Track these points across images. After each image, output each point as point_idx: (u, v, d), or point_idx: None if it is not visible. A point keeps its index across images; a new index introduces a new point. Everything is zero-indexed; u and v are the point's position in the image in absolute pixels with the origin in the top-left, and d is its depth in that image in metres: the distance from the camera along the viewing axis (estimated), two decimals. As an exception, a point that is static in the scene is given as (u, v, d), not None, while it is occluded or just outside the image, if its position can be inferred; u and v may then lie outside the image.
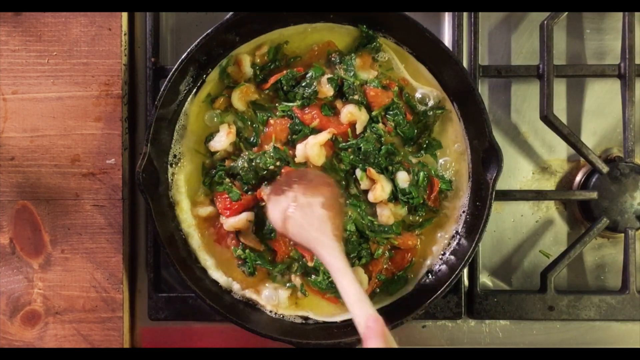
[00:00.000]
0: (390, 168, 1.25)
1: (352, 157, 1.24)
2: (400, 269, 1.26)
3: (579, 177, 1.37)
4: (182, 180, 1.25)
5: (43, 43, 1.31)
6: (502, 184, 1.32)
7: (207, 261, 1.25)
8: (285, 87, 1.25)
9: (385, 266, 1.26)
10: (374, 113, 1.25)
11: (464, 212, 1.25)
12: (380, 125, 1.25)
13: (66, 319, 1.31)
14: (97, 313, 1.31)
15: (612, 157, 1.36)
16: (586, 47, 1.38)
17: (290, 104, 1.25)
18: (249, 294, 1.25)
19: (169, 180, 1.25)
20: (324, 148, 1.23)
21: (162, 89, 1.19)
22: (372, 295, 1.26)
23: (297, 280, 1.26)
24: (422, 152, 1.26)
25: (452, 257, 1.24)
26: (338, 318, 1.25)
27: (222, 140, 1.24)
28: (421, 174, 1.24)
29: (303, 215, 1.14)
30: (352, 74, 1.25)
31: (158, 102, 1.19)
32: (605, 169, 1.30)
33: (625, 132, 1.31)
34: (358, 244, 1.24)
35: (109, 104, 1.31)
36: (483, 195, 1.21)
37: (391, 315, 1.23)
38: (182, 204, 1.25)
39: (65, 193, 1.31)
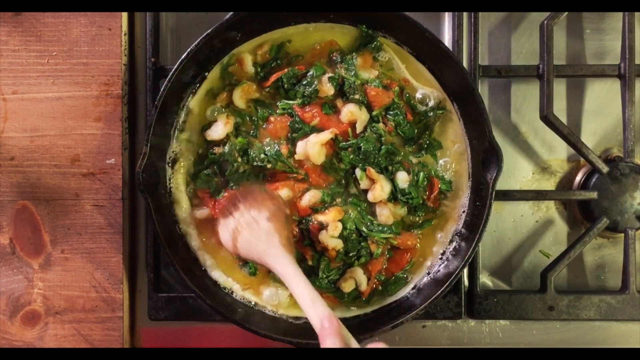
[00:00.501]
0: (390, 168, 1.25)
1: (352, 156, 1.24)
2: (400, 269, 1.26)
3: (579, 177, 1.37)
4: (181, 179, 1.25)
5: (43, 43, 1.31)
6: (502, 184, 1.32)
7: (207, 261, 1.26)
8: (286, 85, 1.25)
9: (384, 266, 1.26)
10: (374, 113, 1.25)
11: (464, 212, 1.25)
12: (381, 124, 1.25)
13: (66, 319, 1.31)
14: (97, 313, 1.31)
15: (612, 157, 1.36)
16: (586, 47, 1.38)
17: (291, 102, 1.25)
18: (249, 294, 1.25)
19: (169, 179, 1.25)
20: (324, 147, 1.23)
21: (162, 89, 1.19)
22: (372, 295, 1.26)
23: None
24: (423, 152, 1.26)
25: (452, 257, 1.24)
26: (338, 317, 1.25)
27: (220, 130, 1.24)
28: (421, 174, 1.24)
29: (250, 232, 1.18)
30: (353, 73, 1.25)
31: (158, 102, 1.19)
32: (605, 169, 1.30)
33: (625, 132, 1.31)
34: (357, 243, 1.24)
35: (109, 104, 1.31)
36: (483, 195, 1.21)
37: (391, 315, 1.23)
38: (181, 202, 1.25)
39: (65, 193, 1.31)
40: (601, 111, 1.38)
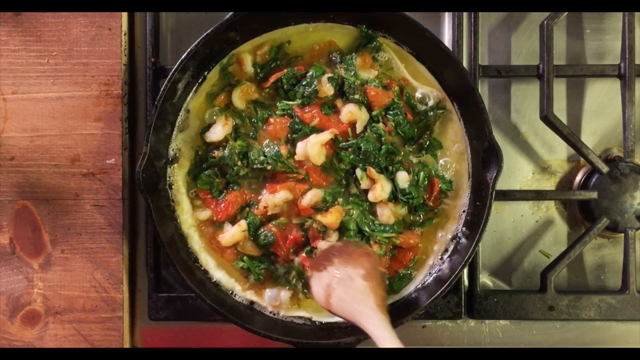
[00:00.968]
0: (390, 168, 1.25)
1: (352, 156, 1.24)
2: (404, 267, 1.26)
3: (579, 177, 1.37)
4: (181, 180, 1.25)
5: (43, 43, 1.31)
6: (502, 184, 1.32)
7: (208, 262, 1.25)
8: (285, 86, 1.25)
9: (387, 265, 1.26)
10: (374, 113, 1.25)
11: (464, 211, 1.25)
12: (381, 124, 1.25)
13: (66, 319, 1.31)
14: (97, 313, 1.31)
15: (612, 157, 1.36)
16: (586, 47, 1.38)
17: (291, 102, 1.25)
18: (251, 295, 1.25)
19: (169, 180, 1.25)
20: (324, 147, 1.23)
21: (162, 89, 1.19)
22: None
23: (299, 283, 1.26)
24: (423, 152, 1.26)
25: (452, 257, 1.24)
26: (339, 318, 1.25)
27: (218, 131, 1.24)
28: (421, 174, 1.24)
29: (345, 290, 1.14)
30: (352, 73, 1.25)
31: (158, 102, 1.19)
32: (605, 169, 1.30)
33: (625, 132, 1.31)
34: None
35: (109, 104, 1.31)
36: (483, 195, 1.21)
37: (391, 315, 1.23)
38: (182, 204, 1.25)
39: (65, 193, 1.31)
40: (601, 111, 1.38)
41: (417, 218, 1.27)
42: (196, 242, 1.25)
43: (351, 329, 1.22)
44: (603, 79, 1.36)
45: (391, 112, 1.25)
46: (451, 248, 1.25)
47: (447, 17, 1.36)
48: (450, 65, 1.22)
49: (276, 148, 1.24)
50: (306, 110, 1.25)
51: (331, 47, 1.26)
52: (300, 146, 1.23)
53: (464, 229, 1.25)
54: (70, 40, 1.31)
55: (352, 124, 1.25)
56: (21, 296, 1.31)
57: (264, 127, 1.26)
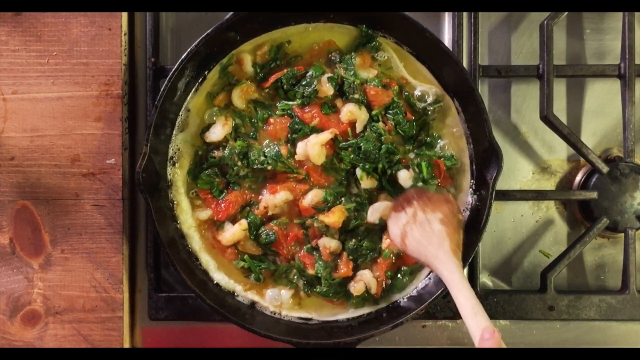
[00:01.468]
0: (389, 171, 1.24)
1: (352, 156, 1.24)
2: (407, 266, 1.26)
3: (579, 177, 1.37)
4: (181, 180, 1.25)
5: (43, 43, 1.31)
6: (502, 184, 1.32)
7: (209, 263, 1.25)
8: (285, 86, 1.25)
9: (392, 262, 1.25)
10: (374, 112, 1.25)
11: (464, 210, 1.25)
12: (380, 124, 1.25)
13: (66, 319, 1.31)
14: (97, 313, 1.31)
15: (612, 157, 1.36)
16: (586, 47, 1.38)
17: (290, 102, 1.25)
18: (252, 295, 1.25)
19: (169, 180, 1.25)
20: (324, 147, 1.23)
21: (162, 89, 1.19)
22: (383, 294, 1.26)
23: (299, 281, 1.26)
24: (423, 147, 1.26)
25: (452, 257, 1.24)
26: (339, 317, 1.25)
27: (218, 131, 1.24)
28: (423, 164, 1.23)
29: (421, 232, 1.16)
30: (352, 73, 1.25)
31: (158, 102, 1.19)
32: (605, 169, 1.30)
33: (625, 132, 1.31)
34: (359, 244, 1.25)
35: (109, 104, 1.31)
36: (483, 195, 1.21)
37: (391, 315, 1.23)
38: (182, 204, 1.25)
39: (65, 193, 1.31)
40: (601, 111, 1.38)
41: None
42: (196, 242, 1.25)
43: (351, 329, 1.23)
44: (603, 79, 1.36)
45: (391, 112, 1.25)
46: (451, 248, 1.25)
47: (447, 17, 1.36)
48: (450, 65, 1.22)
49: (276, 148, 1.24)
50: (306, 110, 1.25)
51: (330, 46, 1.26)
52: (301, 146, 1.23)
53: (464, 229, 1.25)
54: (70, 40, 1.31)
55: (352, 124, 1.25)
56: (21, 296, 1.31)
57: (264, 127, 1.26)
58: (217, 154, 1.25)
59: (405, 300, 1.25)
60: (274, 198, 1.24)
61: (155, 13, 1.32)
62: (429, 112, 1.26)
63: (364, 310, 1.26)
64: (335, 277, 1.24)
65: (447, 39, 1.35)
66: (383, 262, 1.25)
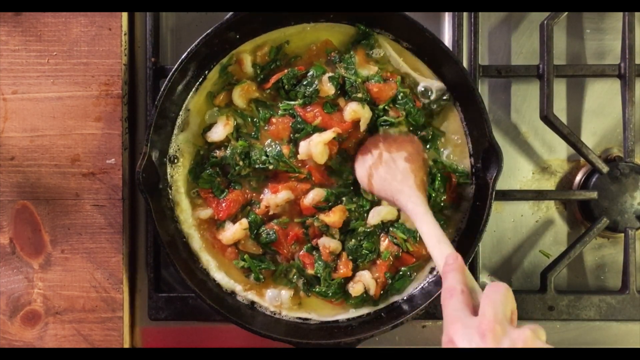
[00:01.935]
0: None
1: None
2: (406, 267, 1.26)
3: (579, 177, 1.37)
4: (181, 180, 1.25)
5: (43, 43, 1.31)
6: (502, 184, 1.32)
7: (209, 263, 1.25)
8: (286, 86, 1.25)
9: (391, 264, 1.25)
10: (380, 107, 1.24)
11: (464, 210, 1.25)
12: (391, 112, 1.24)
13: (66, 319, 1.31)
14: (97, 313, 1.31)
15: (612, 157, 1.36)
16: (586, 47, 1.38)
17: (292, 102, 1.25)
18: (252, 295, 1.25)
19: (169, 180, 1.25)
20: (327, 146, 1.23)
21: (162, 89, 1.19)
22: (382, 295, 1.26)
23: (299, 280, 1.26)
24: (428, 144, 1.26)
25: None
26: (339, 317, 1.25)
27: (220, 131, 1.24)
28: (437, 175, 1.23)
29: (387, 170, 1.20)
30: (352, 72, 1.24)
31: (158, 102, 1.19)
32: (605, 169, 1.30)
33: (625, 132, 1.31)
34: (358, 245, 1.25)
35: (109, 104, 1.31)
36: (483, 195, 1.21)
37: (391, 315, 1.24)
38: (182, 204, 1.25)
39: (65, 193, 1.31)
40: (601, 111, 1.38)
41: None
42: (197, 242, 1.25)
43: (351, 329, 1.23)
44: (603, 79, 1.36)
45: (400, 102, 1.24)
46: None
47: (447, 17, 1.36)
48: (450, 65, 1.22)
49: (278, 148, 1.24)
50: (308, 110, 1.25)
51: (327, 46, 1.26)
52: (303, 145, 1.23)
53: (463, 229, 1.25)
54: (70, 40, 1.31)
55: (355, 122, 1.24)
56: (21, 296, 1.31)
57: (266, 127, 1.26)
58: (218, 153, 1.25)
59: (405, 300, 1.25)
60: (275, 197, 1.23)
61: (155, 13, 1.32)
62: (435, 106, 1.25)
63: (364, 311, 1.26)
64: (334, 277, 1.24)
65: (447, 39, 1.35)
66: (382, 263, 1.25)
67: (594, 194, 1.30)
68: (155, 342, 1.35)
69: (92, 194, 1.31)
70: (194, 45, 1.18)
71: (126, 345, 1.32)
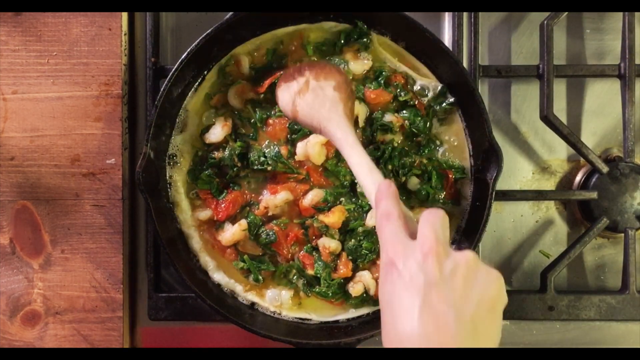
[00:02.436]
0: (402, 178, 1.24)
1: None
2: None
3: (579, 177, 1.37)
4: (180, 181, 1.25)
5: (43, 43, 1.31)
6: (502, 184, 1.32)
7: (209, 263, 1.25)
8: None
9: None
10: (374, 115, 1.24)
11: (464, 210, 1.25)
12: (393, 117, 1.23)
13: (66, 319, 1.31)
14: (97, 313, 1.31)
15: (612, 157, 1.36)
16: (586, 47, 1.38)
17: (288, 103, 1.25)
18: (252, 295, 1.25)
19: (168, 180, 1.25)
20: (324, 147, 1.23)
21: (162, 89, 1.19)
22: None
23: (299, 281, 1.26)
24: (423, 149, 1.26)
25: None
26: (339, 317, 1.25)
27: (218, 132, 1.24)
28: (434, 173, 1.23)
29: (314, 97, 1.17)
30: (345, 67, 1.24)
31: (158, 102, 1.19)
32: (605, 169, 1.30)
33: (625, 132, 1.31)
34: (358, 245, 1.25)
35: (109, 104, 1.31)
36: (483, 195, 1.21)
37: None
38: (181, 204, 1.25)
39: (65, 193, 1.31)
40: (601, 111, 1.38)
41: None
42: (196, 242, 1.25)
43: (352, 329, 1.23)
44: (603, 79, 1.36)
45: (405, 112, 1.24)
46: (453, 248, 1.25)
47: (447, 17, 1.36)
48: (450, 65, 1.22)
49: (276, 149, 1.24)
50: (305, 110, 1.25)
51: (303, 40, 1.26)
52: (300, 146, 1.23)
53: (463, 229, 1.25)
54: (70, 40, 1.31)
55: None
56: (21, 296, 1.31)
57: (264, 128, 1.26)
58: (217, 155, 1.25)
59: (405, 300, 1.25)
60: (274, 198, 1.23)
61: (155, 13, 1.32)
62: (438, 110, 1.25)
63: (364, 311, 1.26)
64: (334, 277, 1.24)
65: (447, 39, 1.34)
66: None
67: (594, 194, 1.30)
68: (155, 342, 1.35)
69: (92, 194, 1.31)
70: (194, 45, 1.18)
71: (126, 345, 1.32)
